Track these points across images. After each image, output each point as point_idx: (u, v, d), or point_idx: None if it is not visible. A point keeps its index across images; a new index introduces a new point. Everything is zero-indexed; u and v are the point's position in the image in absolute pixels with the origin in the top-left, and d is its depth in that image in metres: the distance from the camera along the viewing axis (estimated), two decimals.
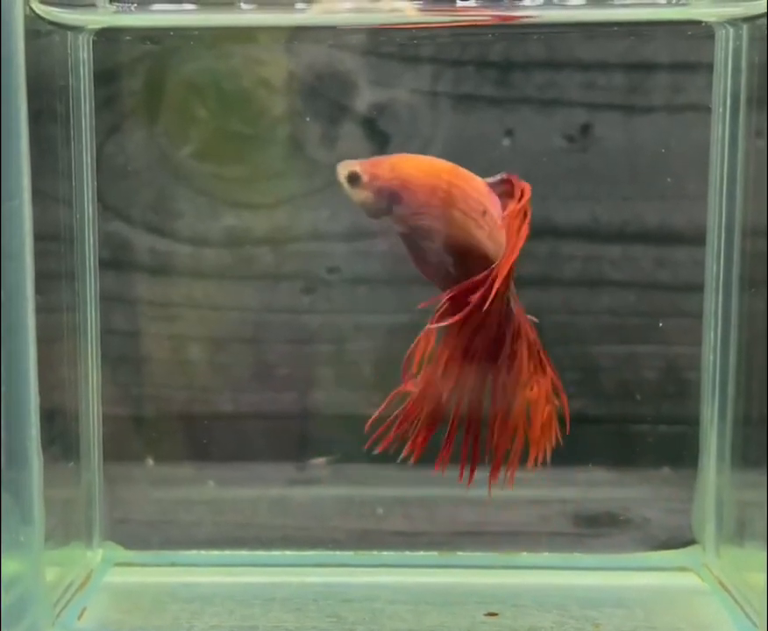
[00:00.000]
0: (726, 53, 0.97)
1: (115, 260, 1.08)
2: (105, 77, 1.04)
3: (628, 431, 1.10)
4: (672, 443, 1.08)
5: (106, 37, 0.99)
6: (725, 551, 1.01)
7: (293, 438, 1.13)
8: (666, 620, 0.94)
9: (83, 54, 0.98)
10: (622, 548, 1.07)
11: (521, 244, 0.88)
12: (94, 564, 1.03)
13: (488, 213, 0.89)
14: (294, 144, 1.09)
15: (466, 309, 0.87)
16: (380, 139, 1.06)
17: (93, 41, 0.98)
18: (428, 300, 0.90)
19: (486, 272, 0.87)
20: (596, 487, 1.10)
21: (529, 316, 0.91)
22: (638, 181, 1.08)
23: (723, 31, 0.97)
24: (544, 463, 0.93)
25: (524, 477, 1.10)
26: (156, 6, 0.95)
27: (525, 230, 0.89)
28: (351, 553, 1.06)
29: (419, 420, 0.93)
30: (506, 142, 1.08)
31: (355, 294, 1.11)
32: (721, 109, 0.98)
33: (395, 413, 0.92)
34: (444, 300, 0.88)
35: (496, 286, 0.86)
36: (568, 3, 0.95)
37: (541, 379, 0.91)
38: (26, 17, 0.83)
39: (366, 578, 1.02)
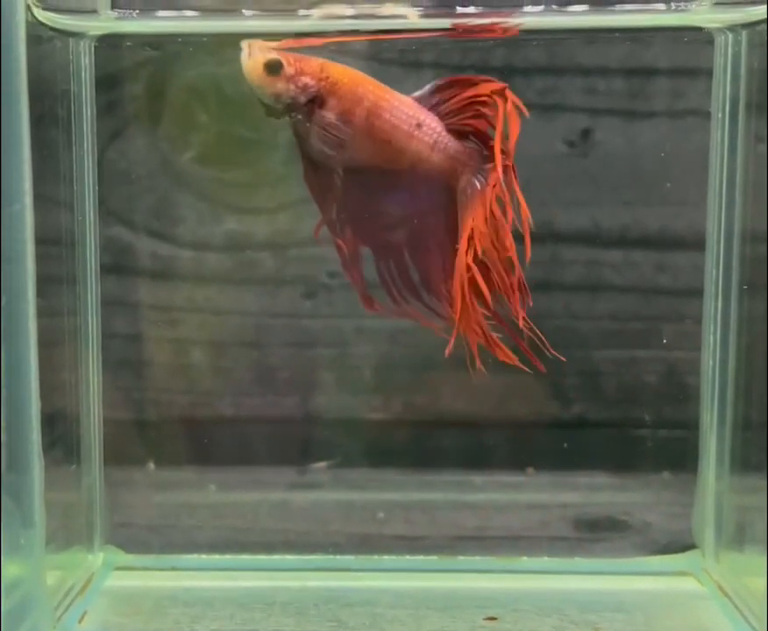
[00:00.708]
0: (725, 58, 0.97)
1: (117, 265, 1.09)
2: (107, 82, 1.04)
3: (628, 435, 1.10)
4: (672, 448, 1.08)
5: (108, 43, 0.99)
6: (724, 556, 1.01)
7: (294, 442, 1.13)
8: (666, 624, 0.94)
9: (85, 60, 0.98)
10: (622, 552, 1.07)
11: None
12: (95, 568, 1.03)
13: (425, 124, 0.88)
14: (295, 149, 1.09)
15: None
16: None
17: (95, 47, 0.99)
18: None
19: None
20: (596, 492, 1.10)
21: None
22: (639, 186, 1.08)
23: (723, 37, 0.97)
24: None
25: (524, 481, 1.11)
26: (158, 13, 0.96)
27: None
28: (351, 557, 1.06)
29: None
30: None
31: (356, 299, 1.11)
32: (720, 115, 0.99)
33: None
34: None
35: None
36: (569, 10, 0.95)
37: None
38: (28, 23, 0.83)
39: (366, 583, 1.02)
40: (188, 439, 1.12)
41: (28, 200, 0.83)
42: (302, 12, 0.96)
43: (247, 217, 1.10)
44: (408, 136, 0.87)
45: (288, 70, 0.86)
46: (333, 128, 0.87)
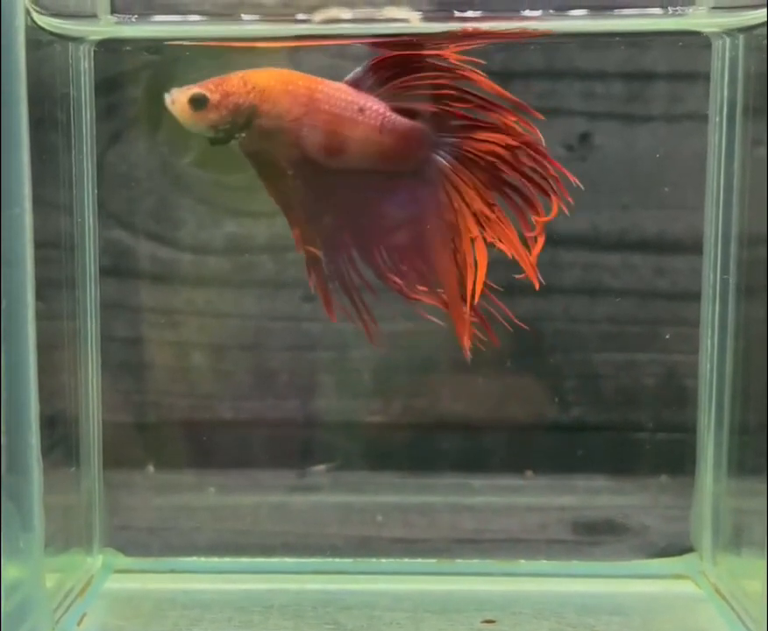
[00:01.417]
0: (723, 62, 0.98)
1: (116, 268, 1.09)
2: (107, 86, 1.04)
3: (626, 439, 1.10)
4: (670, 451, 1.08)
5: (107, 47, 0.99)
6: (722, 559, 1.01)
7: (293, 445, 1.13)
8: (663, 627, 0.94)
9: (84, 64, 0.99)
10: (620, 555, 1.07)
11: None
12: (94, 571, 1.03)
13: (368, 108, 0.88)
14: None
15: None
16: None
17: (94, 51, 0.99)
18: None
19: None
20: (595, 495, 1.10)
21: None
22: (637, 190, 1.08)
23: (720, 42, 0.97)
24: None
25: (523, 484, 1.11)
26: (157, 17, 0.96)
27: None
28: (350, 560, 1.06)
29: None
30: None
31: None
32: (717, 119, 0.99)
33: None
34: None
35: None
36: (568, 14, 0.95)
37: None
38: (27, 27, 0.83)
39: (364, 585, 1.02)
40: (188, 442, 1.12)
41: (27, 203, 0.83)
42: (300, 16, 0.96)
43: (247, 220, 1.10)
44: (352, 122, 0.87)
45: (213, 97, 0.86)
46: (276, 134, 0.87)
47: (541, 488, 1.11)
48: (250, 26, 0.96)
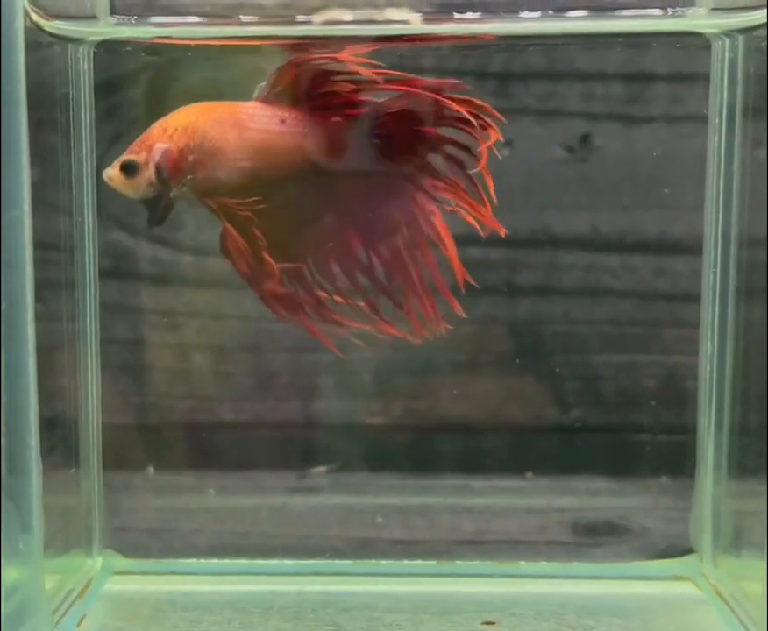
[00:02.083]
0: (722, 64, 0.98)
1: (117, 270, 1.09)
2: (107, 87, 1.04)
3: (627, 440, 1.10)
4: (670, 453, 1.08)
5: (107, 48, 1.00)
6: (722, 560, 1.01)
7: (293, 447, 1.13)
8: (663, 629, 0.94)
9: (84, 65, 0.99)
10: (620, 557, 1.07)
11: None
12: (93, 572, 1.03)
13: (287, 117, 0.88)
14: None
15: None
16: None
17: (94, 52, 0.99)
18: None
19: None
20: (595, 496, 1.10)
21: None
22: (637, 191, 1.08)
23: (720, 43, 0.97)
24: None
25: (522, 486, 1.11)
26: (156, 18, 0.96)
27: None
28: (350, 562, 1.06)
29: None
30: (506, 152, 1.08)
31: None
32: (717, 120, 0.99)
33: None
34: None
35: None
36: (567, 15, 0.95)
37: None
38: (27, 29, 0.83)
39: (364, 587, 1.02)
40: (188, 443, 1.12)
41: (27, 205, 0.83)
42: (301, 18, 0.96)
43: None
44: (279, 134, 0.87)
45: (140, 157, 0.86)
46: (216, 164, 0.87)
47: (541, 490, 1.11)
48: (250, 28, 0.96)
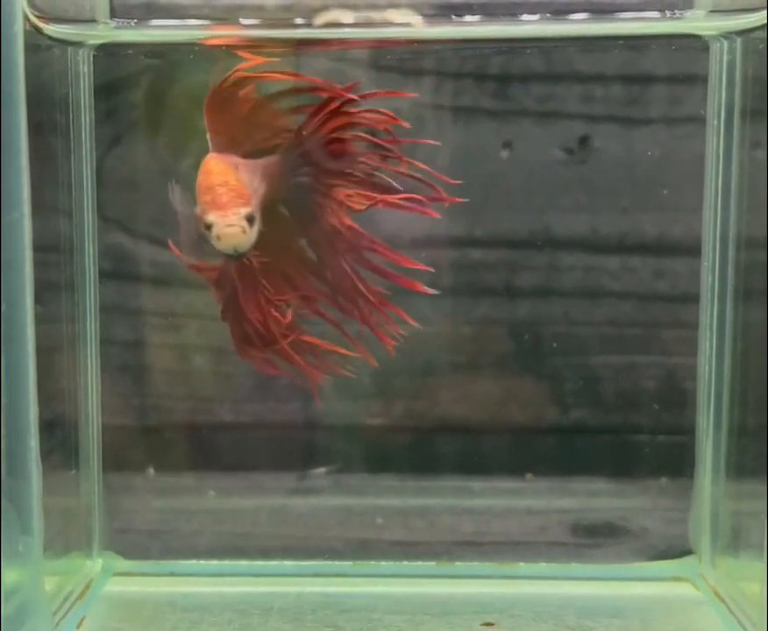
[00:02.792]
0: (720, 65, 0.98)
1: (117, 271, 1.09)
2: (107, 90, 1.05)
3: (626, 441, 1.10)
4: (670, 454, 1.08)
5: (107, 51, 1.00)
6: (721, 561, 1.01)
7: (293, 448, 1.13)
8: (662, 629, 0.94)
9: (83, 68, 0.99)
10: (620, 558, 1.07)
11: None
12: (93, 574, 1.04)
13: (240, 163, 0.89)
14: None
15: None
16: (380, 152, 1.06)
17: (94, 55, 0.99)
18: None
19: None
20: (595, 497, 1.10)
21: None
22: (637, 193, 1.08)
23: (718, 45, 0.98)
24: None
25: (522, 487, 1.11)
26: (156, 22, 0.96)
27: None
28: (349, 563, 1.06)
29: None
30: (505, 154, 1.08)
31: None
32: (715, 122, 0.99)
33: None
34: None
35: None
36: (566, 18, 0.95)
37: None
38: (26, 32, 0.84)
39: (364, 588, 1.02)
40: (188, 445, 1.13)
41: (26, 207, 0.83)
42: (300, 21, 0.96)
43: None
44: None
45: (254, 205, 0.87)
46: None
47: (541, 491, 1.11)
48: (249, 30, 0.97)
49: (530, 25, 0.96)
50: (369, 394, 1.11)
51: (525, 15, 0.95)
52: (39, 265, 0.86)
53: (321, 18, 0.94)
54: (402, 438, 1.12)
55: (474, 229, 1.09)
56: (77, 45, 0.97)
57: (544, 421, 1.11)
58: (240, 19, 0.97)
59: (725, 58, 0.97)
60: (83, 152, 1.00)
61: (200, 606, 0.98)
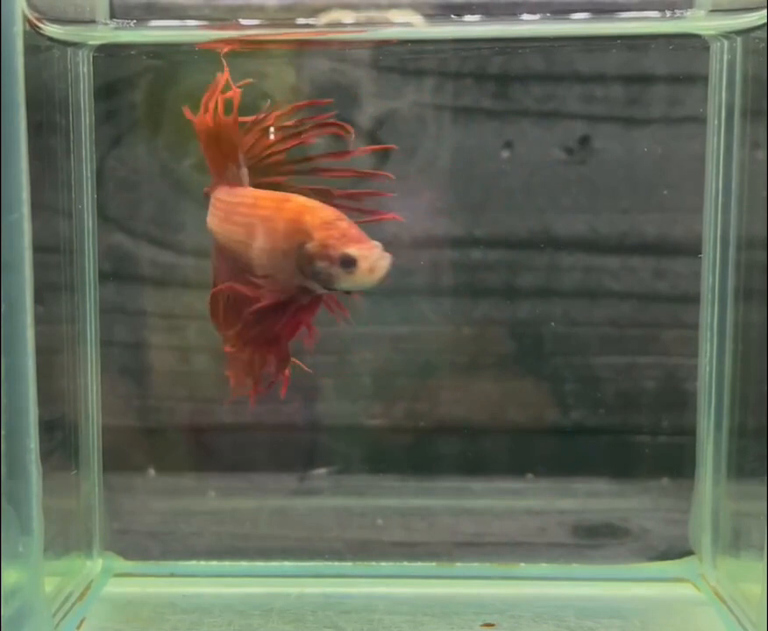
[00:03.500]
0: (721, 65, 0.98)
1: (117, 272, 1.09)
2: (107, 91, 1.05)
3: (627, 442, 1.10)
4: (670, 454, 1.08)
5: (107, 52, 1.00)
6: (721, 562, 1.01)
7: (294, 449, 1.13)
8: (663, 630, 0.94)
9: (83, 69, 0.99)
10: (621, 559, 1.07)
11: None
12: (93, 575, 1.03)
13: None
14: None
15: None
16: (380, 153, 1.07)
17: (94, 56, 0.99)
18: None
19: None
20: (595, 498, 1.10)
21: None
22: (637, 193, 1.08)
23: (718, 44, 0.98)
24: None
25: (523, 487, 1.11)
26: (155, 22, 0.96)
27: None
28: (350, 564, 1.06)
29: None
30: (505, 154, 1.08)
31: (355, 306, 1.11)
32: (716, 121, 0.99)
33: None
34: None
35: None
36: (567, 18, 0.95)
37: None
38: (26, 33, 0.84)
39: (364, 589, 1.02)
40: (189, 446, 1.13)
41: (26, 209, 0.83)
42: (301, 21, 0.96)
43: None
44: None
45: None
46: None
47: (541, 491, 1.11)
48: (250, 31, 0.97)
49: (531, 25, 0.96)
50: (369, 395, 1.11)
51: (525, 15, 0.95)
52: (39, 265, 0.86)
53: (323, 19, 0.94)
54: (403, 439, 1.12)
55: (474, 229, 1.09)
56: (77, 45, 0.97)
57: (544, 422, 1.11)
58: (240, 20, 0.96)
59: (725, 57, 0.97)
60: (83, 153, 1.00)
61: (200, 606, 0.97)
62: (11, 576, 0.84)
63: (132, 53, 1.03)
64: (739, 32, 0.94)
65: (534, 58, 1.07)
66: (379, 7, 0.95)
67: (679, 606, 0.99)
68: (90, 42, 0.97)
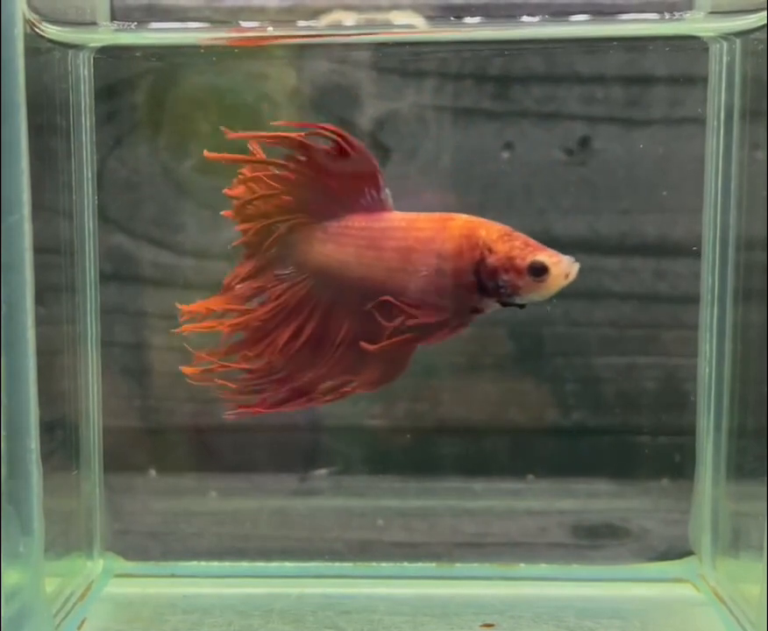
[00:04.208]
0: (720, 67, 0.98)
1: (118, 273, 1.09)
2: (109, 92, 1.05)
3: (627, 442, 1.10)
4: (671, 455, 1.08)
5: (108, 54, 1.00)
6: (721, 562, 1.01)
7: (294, 450, 1.13)
8: (663, 630, 0.94)
9: (84, 71, 0.99)
10: (621, 559, 1.07)
11: None
12: (94, 575, 1.04)
13: None
14: None
15: None
16: (381, 153, 1.07)
17: (95, 58, 0.99)
18: None
19: None
20: (595, 498, 1.10)
21: None
22: (637, 194, 1.08)
23: (717, 46, 0.98)
24: None
25: (523, 488, 1.11)
26: (156, 24, 0.97)
27: None
28: (350, 564, 1.06)
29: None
30: (505, 155, 1.09)
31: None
32: (715, 123, 0.99)
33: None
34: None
35: None
36: (567, 19, 0.96)
37: None
38: (26, 35, 0.84)
39: (364, 590, 1.02)
40: (189, 446, 1.13)
41: (26, 210, 0.84)
42: (302, 23, 0.96)
43: None
44: None
45: None
46: None
47: (542, 492, 1.11)
48: (250, 33, 0.97)
49: (531, 27, 0.96)
50: (370, 395, 1.11)
51: (525, 17, 0.95)
52: (40, 266, 0.86)
53: (324, 20, 0.95)
54: (403, 440, 1.12)
55: None
56: (78, 47, 0.97)
57: (544, 423, 1.11)
58: (241, 22, 0.97)
59: (724, 59, 0.97)
60: (84, 154, 1.00)
61: (201, 607, 0.98)
62: (12, 576, 0.85)
63: (138, 54, 1.03)
64: (738, 34, 0.94)
65: (534, 59, 1.07)
66: (380, 9, 0.95)
67: (679, 607, 0.99)
68: (91, 44, 0.97)
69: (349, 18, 0.95)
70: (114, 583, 1.04)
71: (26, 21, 0.85)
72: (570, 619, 0.95)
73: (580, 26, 0.96)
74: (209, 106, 1.06)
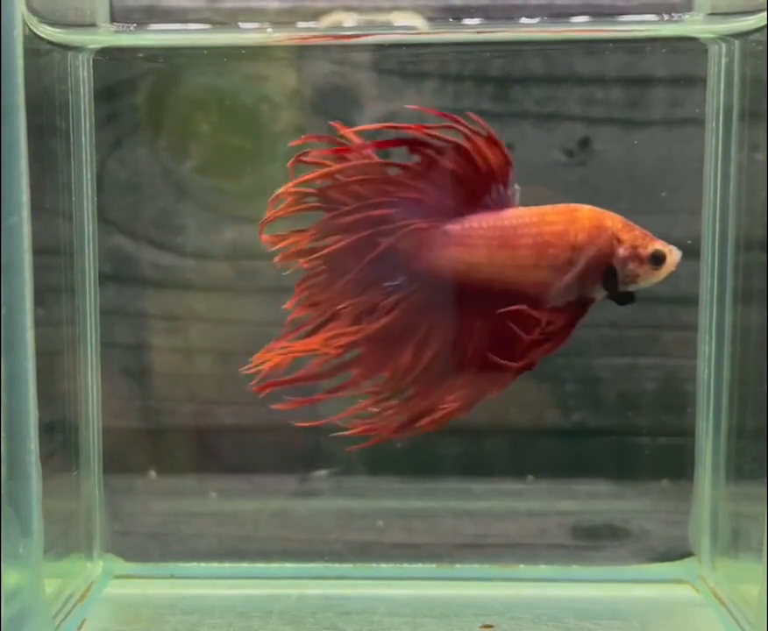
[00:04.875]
0: (719, 68, 0.98)
1: (118, 274, 1.09)
2: (108, 93, 1.05)
3: (627, 443, 1.10)
4: (671, 456, 1.08)
5: (108, 55, 1.00)
6: (720, 563, 1.01)
7: (294, 451, 1.13)
8: None
9: (83, 73, 0.99)
10: (620, 560, 1.07)
11: None
12: (94, 576, 1.04)
13: None
14: None
15: None
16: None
17: (94, 59, 1.00)
18: None
19: None
20: (595, 499, 1.10)
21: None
22: (637, 195, 1.08)
23: (716, 47, 0.98)
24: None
25: (523, 489, 1.11)
26: (155, 26, 0.97)
27: None
28: (350, 565, 1.06)
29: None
30: None
31: None
32: (714, 124, 0.99)
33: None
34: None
35: None
36: (567, 21, 0.96)
37: None
38: (26, 36, 0.84)
39: (364, 591, 1.02)
40: (189, 447, 1.13)
41: (26, 211, 0.84)
42: (302, 25, 0.96)
43: (248, 226, 1.10)
44: None
45: None
46: None
47: (542, 493, 1.11)
48: (250, 34, 0.97)
49: (531, 29, 0.96)
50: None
51: (525, 18, 0.95)
52: (39, 268, 0.86)
53: (324, 21, 0.95)
54: (404, 440, 1.12)
55: None
56: (77, 49, 0.97)
57: (544, 424, 1.11)
58: (240, 23, 0.97)
59: (723, 60, 0.97)
60: (83, 156, 1.01)
61: (200, 608, 0.98)
62: (12, 577, 0.85)
63: (140, 55, 1.03)
64: (737, 35, 0.94)
65: (534, 60, 1.07)
66: (380, 10, 0.95)
67: (679, 608, 0.99)
68: (90, 46, 0.98)
69: (349, 20, 0.95)
70: (114, 584, 1.04)
71: (25, 22, 0.85)
72: (570, 620, 0.95)
73: (580, 28, 0.96)
74: (209, 107, 1.06)
